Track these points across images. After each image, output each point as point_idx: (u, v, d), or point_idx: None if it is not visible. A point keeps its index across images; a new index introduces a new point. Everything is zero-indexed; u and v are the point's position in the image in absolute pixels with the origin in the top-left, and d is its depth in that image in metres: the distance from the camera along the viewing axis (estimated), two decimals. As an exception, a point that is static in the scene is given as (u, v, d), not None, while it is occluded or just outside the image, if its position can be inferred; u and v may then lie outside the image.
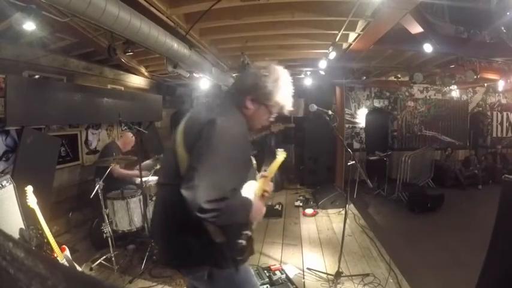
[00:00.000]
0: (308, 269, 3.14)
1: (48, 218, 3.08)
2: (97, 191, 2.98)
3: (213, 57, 4.70)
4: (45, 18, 2.25)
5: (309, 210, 5.00)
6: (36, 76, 3.81)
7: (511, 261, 1.92)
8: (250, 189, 1.41)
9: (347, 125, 8.20)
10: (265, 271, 2.93)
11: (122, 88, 5.58)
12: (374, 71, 6.47)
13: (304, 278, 2.99)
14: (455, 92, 8.49)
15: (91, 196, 3.03)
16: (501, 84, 6.36)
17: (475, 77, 4.84)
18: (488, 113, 9.04)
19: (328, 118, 2.93)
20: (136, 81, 5.99)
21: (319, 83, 6.64)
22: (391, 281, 2.92)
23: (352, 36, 3.95)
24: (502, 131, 9.10)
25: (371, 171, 6.95)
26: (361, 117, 8.66)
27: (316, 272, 3.06)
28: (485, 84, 8.06)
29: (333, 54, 4.19)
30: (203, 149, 1.18)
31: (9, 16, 2.28)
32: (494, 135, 9.07)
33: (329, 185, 6.02)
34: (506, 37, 3.36)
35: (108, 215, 3.08)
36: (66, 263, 2.36)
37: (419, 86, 8.46)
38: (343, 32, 3.64)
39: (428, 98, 8.78)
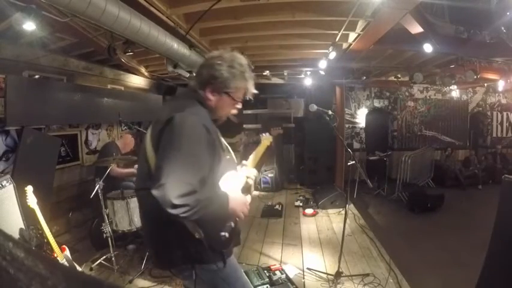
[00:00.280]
0: (308, 269, 3.14)
1: (48, 218, 3.07)
2: (97, 191, 2.98)
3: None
4: (45, 18, 2.25)
5: (309, 210, 5.00)
6: (36, 76, 3.81)
7: (511, 261, 1.92)
8: (231, 180, 1.41)
9: (347, 125, 8.20)
10: (265, 271, 2.93)
11: (122, 88, 5.57)
12: (374, 71, 6.48)
13: (304, 278, 2.99)
14: (455, 92, 8.50)
15: (91, 196, 3.03)
16: (501, 84, 6.36)
17: (475, 77, 4.84)
18: (488, 113, 9.05)
19: (328, 118, 2.94)
20: (136, 81, 5.99)
21: (319, 83, 6.65)
22: (391, 281, 2.92)
23: (352, 36, 3.95)
24: (502, 131, 9.10)
25: (371, 171, 6.95)
26: (361, 117, 8.67)
27: (316, 272, 3.06)
28: (485, 84, 8.06)
29: (333, 54, 4.19)
30: (166, 147, 1.19)
31: (9, 16, 2.28)
32: (494, 135, 9.07)
33: (329, 185, 6.02)
34: (506, 37, 3.36)
35: (108, 215, 3.08)
36: (66, 263, 2.36)
37: (419, 86, 8.46)
38: (343, 32, 3.64)
39: (428, 98, 8.78)
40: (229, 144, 1.64)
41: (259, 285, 2.71)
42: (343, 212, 4.01)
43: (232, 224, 1.35)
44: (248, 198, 1.48)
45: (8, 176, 2.46)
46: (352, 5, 2.90)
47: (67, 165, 4.34)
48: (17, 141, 3.40)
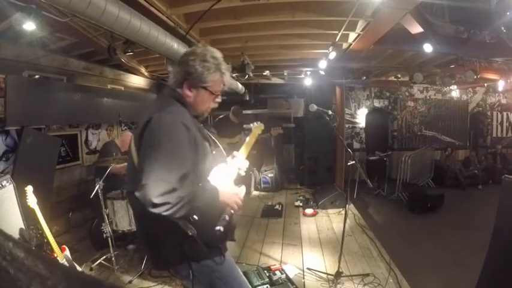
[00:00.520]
0: (308, 269, 3.14)
1: (48, 218, 3.07)
2: (97, 191, 2.98)
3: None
4: (45, 18, 2.25)
5: (309, 210, 5.00)
6: (36, 76, 3.81)
7: (511, 261, 1.92)
8: (221, 173, 1.41)
9: (347, 125, 8.20)
10: (265, 271, 2.93)
11: (122, 88, 5.58)
12: (374, 71, 6.48)
13: (304, 278, 2.98)
14: (455, 92, 8.50)
15: (91, 196, 3.03)
16: (501, 84, 6.37)
17: (475, 77, 4.85)
18: (488, 113, 9.04)
19: (328, 118, 2.94)
20: (136, 81, 5.99)
21: (319, 83, 6.65)
22: (391, 281, 2.92)
23: (352, 36, 3.95)
24: (502, 131, 9.10)
25: (371, 171, 6.94)
26: (361, 117, 8.67)
27: (316, 272, 3.06)
28: (485, 84, 8.06)
29: (333, 54, 4.19)
30: (145, 148, 1.21)
31: (9, 16, 2.28)
32: (494, 135, 9.07)
33: (329, 185, 6.02)
34: (506, 37, 3.36)
35: (108, 215, 3.08)
36: (66, 263, 2.36)
37: (419, 86, 8.46)
38: (343, 32, 3.64)
39: (428, 98, 8.78)
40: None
41: (259, 285, 2.71)
42: (343, 212, 4.01)
43: (227, 218, 1.34)
44: (242, 189, 1.47)
45: (8, 176, 2.46)
46: (352, 5, 2.91)
47: (67, 165, 4.34)
48: (17, 141, 3.40)
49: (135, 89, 5.99)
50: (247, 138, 1.80)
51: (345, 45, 4.27)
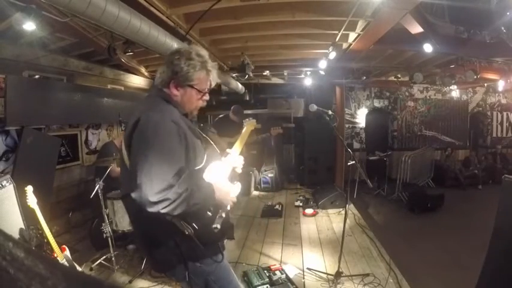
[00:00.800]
0: (308, 269, 3.14)
1: (48, 218, 3.07)
2: (97, 191, 2.98)
3: (213, 57, 4.70)
4: (45, 18, 2.25)
5: (309, 210, 4.99)
6: (36, 76, 3.81)
7: (511, 262, 1.92)
8: (215, 170, 1.41)
9: (347, 125, 8.20)
10: (265, 271, 2.93)
11: (122, 88, 5.57)
12: (374, 71, 6.48)
13: (304, 278, 2.98)
14: (455, 92, 8.50)
15: (91, 196, 3.03)
16: (501, 84, 6.37)
17: (475, 77, 4.85)
18: (488, 113, 9.05)
19: (328, 118, 2.93)
20: (136, 81, 5.99)
21: (319, 83, 6.65)
22: (391, 281, 2.92)
23: (352, 36, 3.95)
24: (502, 131, 9.11)
25: (371, 171, 6.95)
26: (361, 117, 8.67)
27: (316, 272, 3.06)
28: (485, 84, 8.06)
29: (333, 54, 4.19)
30: (136, 149, 1.21)
31: (9, 16, 2.29)
32: (494, 135, 9.08)
33: (329, 185, 6.02)
34: (506, 37, 3.35)
35: (108, 215, 3.08)
36: (66, 263, 2.36)
37: (419, 86, 8.46)
38: (343, 32, 3.64)
39: (428, 98, 8.78)
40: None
41: (259, 285, 2.71)
42: (343, 212, 4.01)
43: (223, 215, 1.34)
44: (237, 186, 1.47)
45: (8, 176, 2.46)
46: (352, 5, 2.91)
47: (67, 165, 4.34)
48: (17, 141, 3.39)
49: (135, 89, 5.99)
50: (241, 135, 1.80)
51: (345, 45, 4.27)
